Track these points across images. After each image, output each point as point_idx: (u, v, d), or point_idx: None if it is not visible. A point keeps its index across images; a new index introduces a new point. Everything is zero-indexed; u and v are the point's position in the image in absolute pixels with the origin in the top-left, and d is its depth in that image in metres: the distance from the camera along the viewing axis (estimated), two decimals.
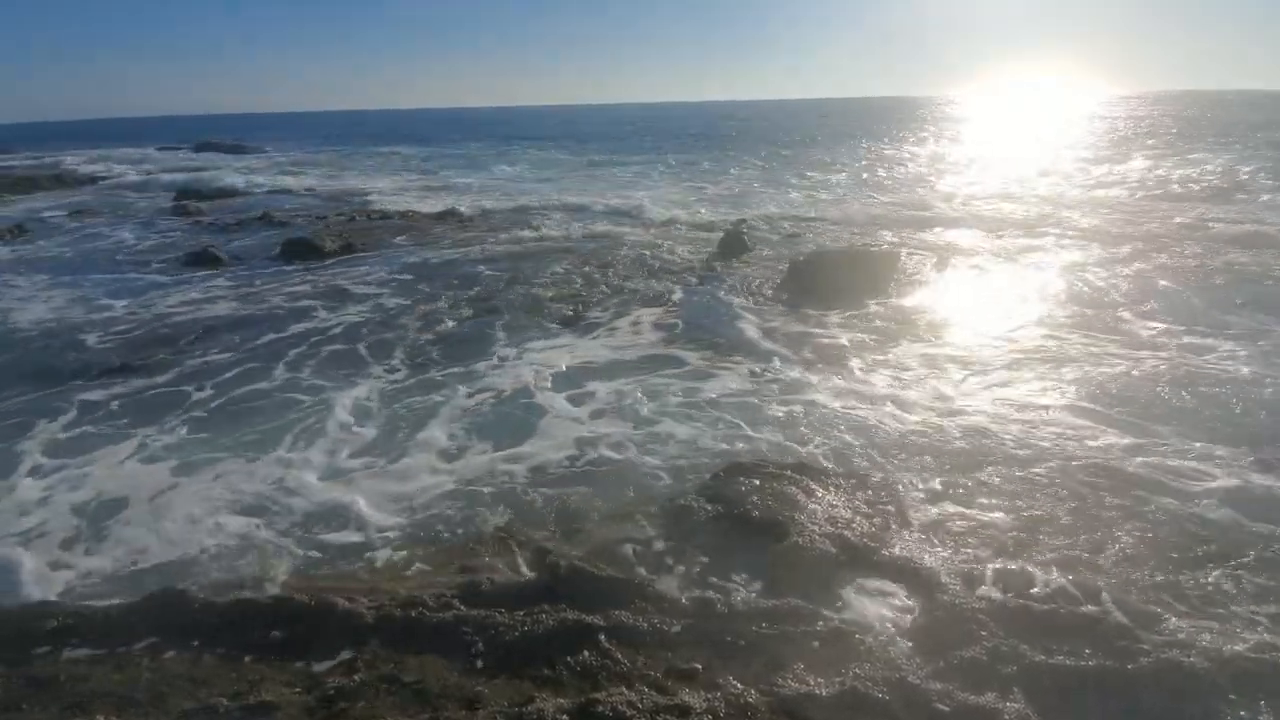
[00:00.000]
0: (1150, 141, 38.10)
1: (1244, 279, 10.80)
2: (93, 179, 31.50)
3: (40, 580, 4.50)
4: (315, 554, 4.74)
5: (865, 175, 28.03)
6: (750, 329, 9.23)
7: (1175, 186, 21.48)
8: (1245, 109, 71.59)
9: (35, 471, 5.93)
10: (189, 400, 7.34)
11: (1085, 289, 10.62)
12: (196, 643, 3.73)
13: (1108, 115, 68.83)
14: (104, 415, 6.98)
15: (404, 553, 4.71)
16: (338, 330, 9.55)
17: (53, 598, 4.30)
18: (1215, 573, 4.19)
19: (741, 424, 6.43)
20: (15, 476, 5.84)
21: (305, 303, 10.93)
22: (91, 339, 9.41)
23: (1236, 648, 3.49)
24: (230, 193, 24.96)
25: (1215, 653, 3.46)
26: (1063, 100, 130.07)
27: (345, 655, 3.61)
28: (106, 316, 10.35)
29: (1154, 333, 8.41)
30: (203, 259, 13.79)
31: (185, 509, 5.29)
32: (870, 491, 5.16)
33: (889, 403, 6.82)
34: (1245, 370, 7.20)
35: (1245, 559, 4.31)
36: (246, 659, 3.61)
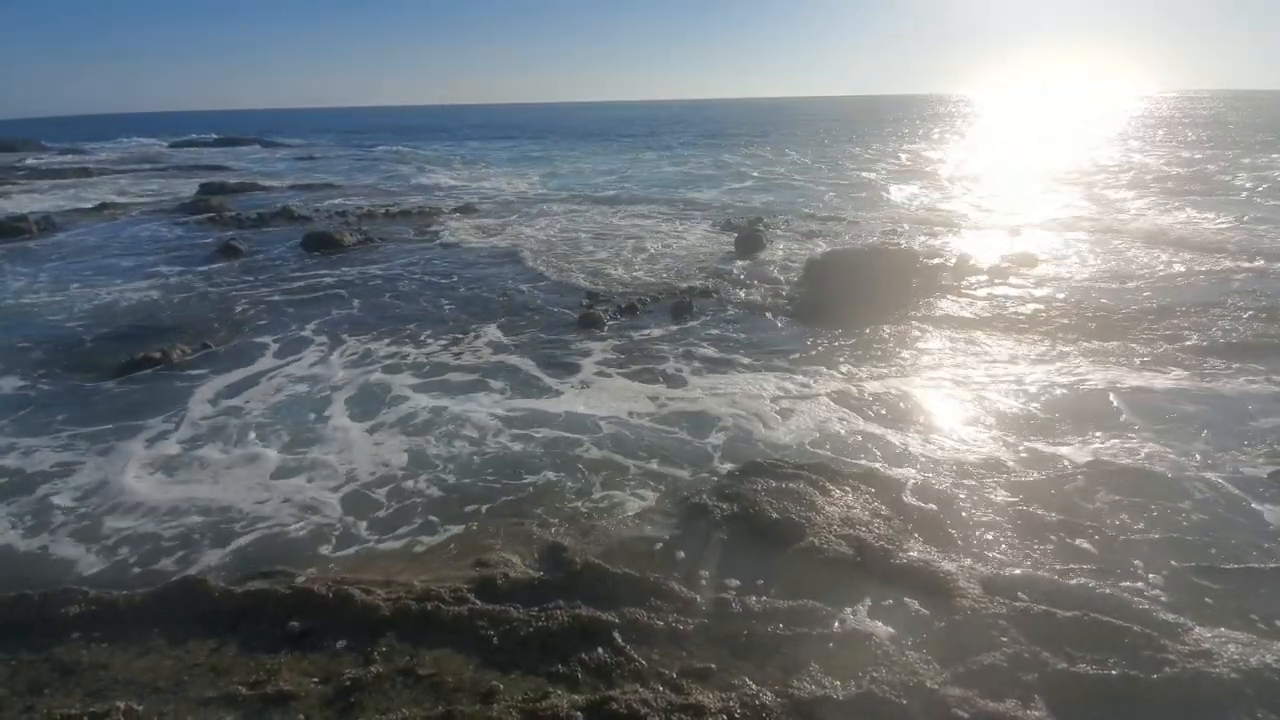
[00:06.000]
0: (1161, 148, 37.36)
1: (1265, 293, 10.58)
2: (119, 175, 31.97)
3: None
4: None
5: (884, 172, 27.77)
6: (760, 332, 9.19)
7: (1197, 191, 21.07)
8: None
9: None
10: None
11: (1106, 298, 10.44)
12: (216, 632, 3.78)
13: (1121, 115, 67.63)
14: None
15: (419, 547, 4.75)
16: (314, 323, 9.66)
17: (75, 585, 4.37)
18: (1241, 582, 4.10)
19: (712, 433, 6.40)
20: None
21: (303, 296, 11.05)
22: (77, 326, 9.59)
23: (1264, 659, 3.41)
24: (252, 187, 25.25)
25: (1242, 663, 3.38)
26: (1069, 101, 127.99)
27: (362, 647, 3.63)
28: (97, 305, 10.54)
29: (1177, 348, 8.19)
30: (224, 252, 13.98)
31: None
32: (888, 494, 5.11)
33: (906, 408, 6.75)
34: (1269, 387, 7.01)
35: (1272, 569, 4.21)
36: (265, 649, 3.64)
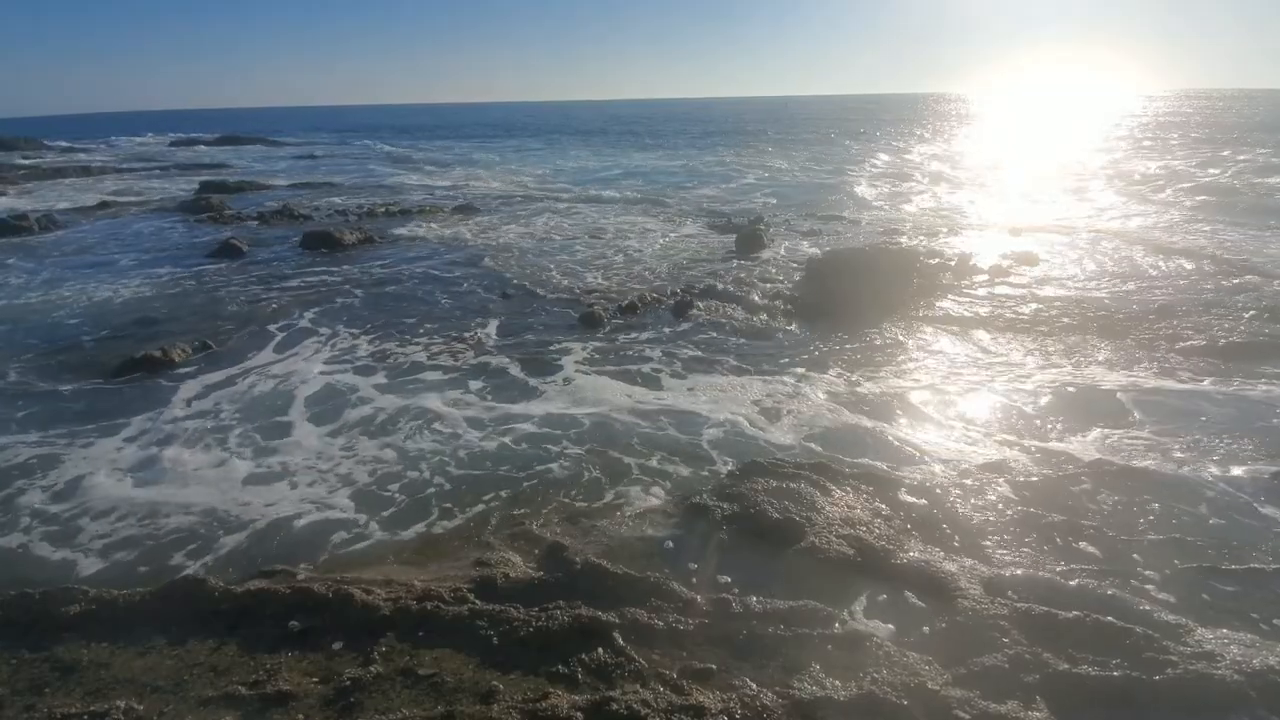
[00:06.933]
0: (1161, 146, 37.29)
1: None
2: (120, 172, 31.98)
3: None
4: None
5: (885, 171, 27.74)
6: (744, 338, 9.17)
7: (1207, 192, 21.04)
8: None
9: None
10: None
11: (1107, 299, 10.43)
12: (216, 631, 3.77)
13: (1123, 115, 67.56)
14: None
15: (419, 546, 4.74)
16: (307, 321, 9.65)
17: (75, 584, 4.36)
18: (1244, 584, 4.10)
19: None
20: None
21: (303, 294, 11.02)
22: (78, 324, 9.58)
23: (1268, 660, 3.40)
24: (253, 185, 25.24)
25: (1245, 665, 3.37)
26: (1071, 100, 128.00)
27: (362, 647, 3.62)
28: (97, 303, 10.53)
29: (1178, 348, 8.17)
30: (225, 250, 13.95)
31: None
32: (889, 493, 5.10)
33: (907, 407, 6.74)
34: (1271, 388, 6.98)
35: (1275, 570, 4.20)
36: (265, 648, 3.64)
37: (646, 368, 7.87)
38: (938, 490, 5.13)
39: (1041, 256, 12.64)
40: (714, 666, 3.47)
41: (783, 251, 13.83)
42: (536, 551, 4.54)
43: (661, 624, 3.75)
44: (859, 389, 7.11)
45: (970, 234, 15.39)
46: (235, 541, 4.83)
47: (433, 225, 17.20)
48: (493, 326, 9.41)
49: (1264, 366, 7.43)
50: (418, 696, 3.29)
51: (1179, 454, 5.66)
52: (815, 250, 13.49)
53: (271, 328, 9.48)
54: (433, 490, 5.43)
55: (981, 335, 8.73)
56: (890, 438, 6.07)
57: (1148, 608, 3.83)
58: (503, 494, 5.34)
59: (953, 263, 11.93)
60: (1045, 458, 5.65)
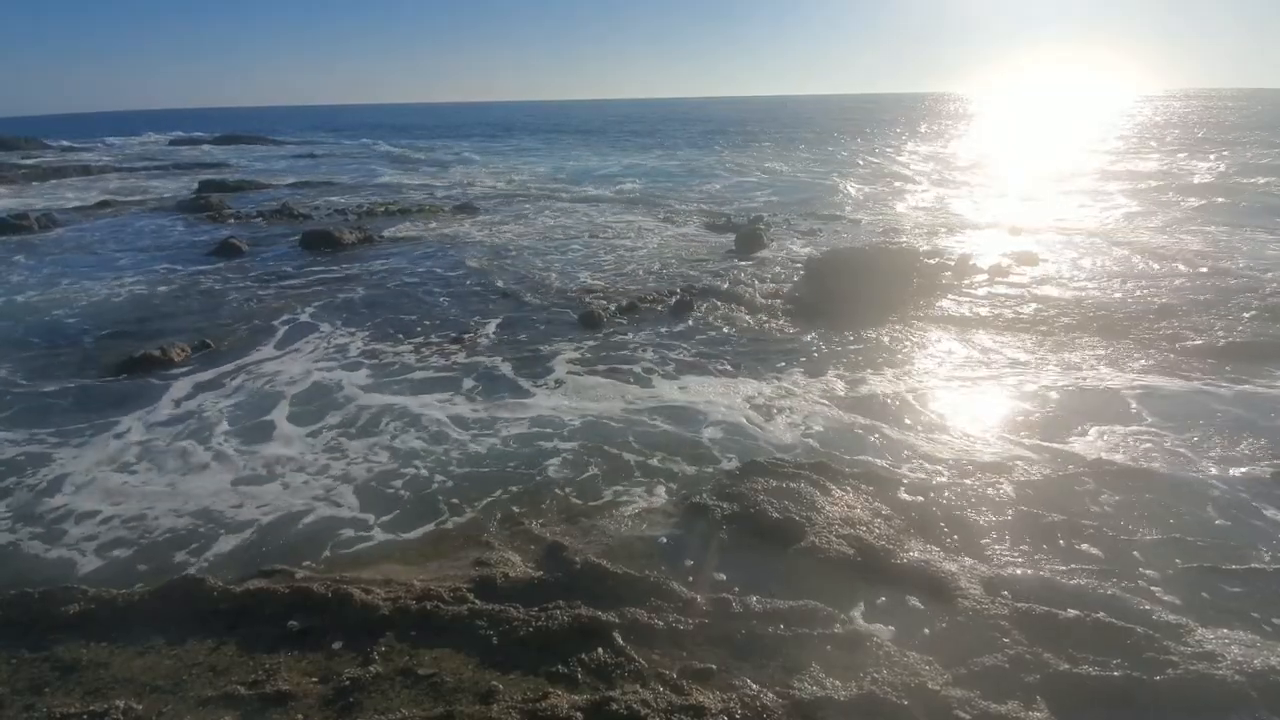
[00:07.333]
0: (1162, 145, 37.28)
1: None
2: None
3: None
4: None
5: (885, 171, 27.72)
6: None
7: (1212, 192, 21.04)
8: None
9: None
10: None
11: (1106, 299, 10.42)
12: (215, 631, 3.76)
13: (1123, 116, 67.56)
14: None
15: (418, 546, 4.73)
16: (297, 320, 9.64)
17: (73, 584, 4.35)
18: (1244, 583, 4.09)
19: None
20: None
21: (302, 294, 11.00)
22: (77, 323, 9.57)
23: (1269, 660, 3.40)
24: (252, 185, 25.22)
25: (1246, 665, 3.37)
26: (1071, 101, 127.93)
27: (361, 647, 3.62)
28: (96, 302, 10.53)
29: (1178, 348, 8.16)
30: (224, 249, 13.94)
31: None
32: (889, 493, 5.10)
33: (907, 407, 6.73)
34: (1270, 388, 6.97)
35: (1275, 570, 4.20)
36: (264, 648, 3.63)
37: (646, 367, 7.86)
38: (937, 490, 5.13)
39: (1041, 256, 12.63)
40: (714, 666, 3.46)
41: (782, 251, 13.82)
42: (536, 551, 4.53)
43: (661, 624, 3.74)
44: (859, 388, 7.11)
45: (970, 234, 15.38)
46: (234, 541, 4.82)
47: (432, 224, 17.19)
48: (492, 326, 9.40)
49: (1264, 366, 7.43)
50: (417, 696, 3.28)
51: (1180, 454, 5.66)
52: (815, 250, 13.47)
53: (272, 324, 9.48)
54: (433, 490, 5.42)
55: (981, 335, 8.73)
56: (890, 437, 6.06)
57: (1148, 608, 3.83)
58: (506, 492, 5.34)
59: (952, 263, 11.93)
60: (1046, 457, 5.64)
